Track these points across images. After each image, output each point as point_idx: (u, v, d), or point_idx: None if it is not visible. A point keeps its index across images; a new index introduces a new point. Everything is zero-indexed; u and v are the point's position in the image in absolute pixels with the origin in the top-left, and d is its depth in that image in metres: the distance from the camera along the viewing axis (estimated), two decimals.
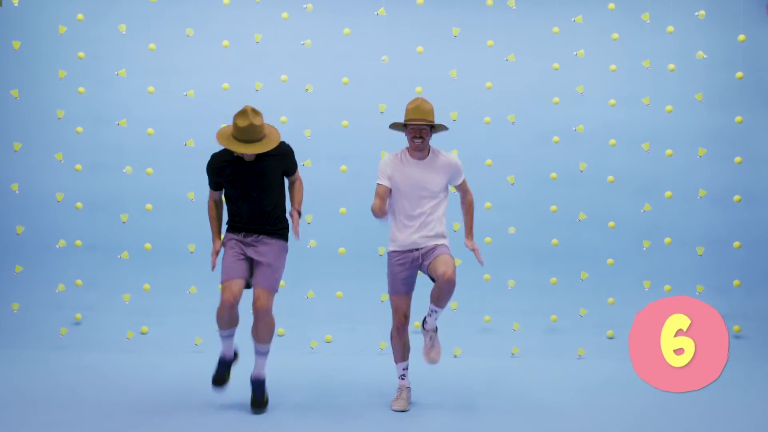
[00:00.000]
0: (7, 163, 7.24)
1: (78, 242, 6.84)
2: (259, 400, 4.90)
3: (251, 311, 4.84)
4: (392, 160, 5.03)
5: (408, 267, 4.99)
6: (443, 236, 5.01)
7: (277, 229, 4.91)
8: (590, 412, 4.99)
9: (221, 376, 4.95)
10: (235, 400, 5.08)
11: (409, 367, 5.14)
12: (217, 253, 4.96)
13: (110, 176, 7.24)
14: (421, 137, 4.94)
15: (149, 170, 6.87)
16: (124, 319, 6.89)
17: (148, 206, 6.82)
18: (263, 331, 4.83)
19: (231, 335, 4.86)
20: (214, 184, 4.95)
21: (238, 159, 4.84)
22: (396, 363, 5.13)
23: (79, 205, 6.84)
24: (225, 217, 5.05)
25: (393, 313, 5.04)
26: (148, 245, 6.77)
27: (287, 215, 4.99)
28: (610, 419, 4.84)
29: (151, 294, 6.88)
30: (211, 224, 5.04)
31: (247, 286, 4.89)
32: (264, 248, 4.86)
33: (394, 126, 5.09)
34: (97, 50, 7.24)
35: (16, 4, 6.67)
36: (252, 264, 4.89)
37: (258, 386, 4.93)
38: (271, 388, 5.08)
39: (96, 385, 5.43)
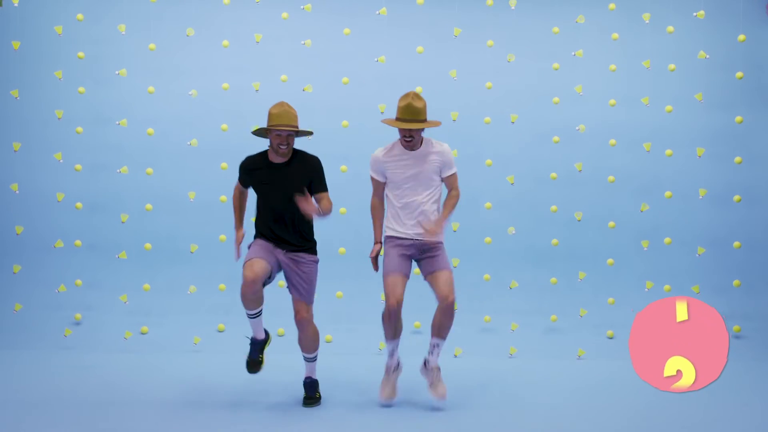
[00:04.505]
0: (7, 163, 7.24)
1: (78, 242, 6.84)
2: (311, 397, 5.05)
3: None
4: (384, 153, 5.03)
5: (405, 250, 4.97)
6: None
7: (306, 245, 4.99)
8: (590, 412, 4.99)
9: (254, 358, 5.01)
10: (234, 400, 5.10)
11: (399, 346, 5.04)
12: (240, 241, 4.98)
13: (110, 176, 7.23)
14: (411, 137, 4.94)
15: (149, 170, 6.88)
16: (124, 319, 6.89)
17: (148, 206, 6.83)
18: (308, 341, 5.04)
19: (258, 315, 4.88)
20: (243, 181, 5.05)
21: (269, 164, 4.93)
22: (387, 341, 5.02)
23: (79, 205, 6.85)
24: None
25: (386, 296, 4.88)
26: (148, 245, 6.78)
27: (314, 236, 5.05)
28: (610, 419, 4.84)
29: (150, 294, 6.88)
30: (234, 212, 5.12)
31: (268, 279, 4.90)
32: (301, 267, 4.95)
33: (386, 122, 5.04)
34: (97, 50, 7.23)
35: (16, 4, 6.67)
36: (278, 262, 4.91)
37: (310, 386, 5.09)
38: (272, 388, 5.08)
39: (96, 385, 5.43)
